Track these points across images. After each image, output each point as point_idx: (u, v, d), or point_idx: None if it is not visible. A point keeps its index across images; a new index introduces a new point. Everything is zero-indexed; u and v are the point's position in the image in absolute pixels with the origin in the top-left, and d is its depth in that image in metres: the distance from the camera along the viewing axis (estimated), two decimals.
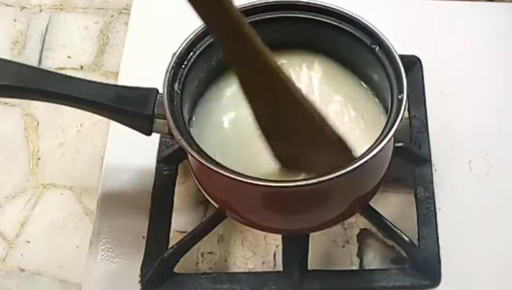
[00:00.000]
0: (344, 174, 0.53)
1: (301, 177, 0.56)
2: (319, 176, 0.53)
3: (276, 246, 0.69)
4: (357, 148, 0.57)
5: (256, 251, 0.69)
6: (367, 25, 0.60)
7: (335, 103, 0.62)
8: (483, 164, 0.70)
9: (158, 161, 0.70)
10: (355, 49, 0.61)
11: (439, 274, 0.64)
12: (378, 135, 0.56)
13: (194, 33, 0.60)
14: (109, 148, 0.72)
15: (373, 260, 0.68)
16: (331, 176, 0.53)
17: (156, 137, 0.67)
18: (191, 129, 0.60)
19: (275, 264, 0.68)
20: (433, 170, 0.69)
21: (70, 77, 0.60)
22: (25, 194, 0.75)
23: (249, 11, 0.61)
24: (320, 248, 0.68)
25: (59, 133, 0.78)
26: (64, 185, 0.75)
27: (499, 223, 0.67)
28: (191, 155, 0.55)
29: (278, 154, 0.58)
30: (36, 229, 0.73)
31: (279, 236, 0.65)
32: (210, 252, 0.69)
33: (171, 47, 0.60)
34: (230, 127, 0.62)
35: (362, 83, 0.63)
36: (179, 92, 0.58)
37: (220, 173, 0.54)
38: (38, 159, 0.77)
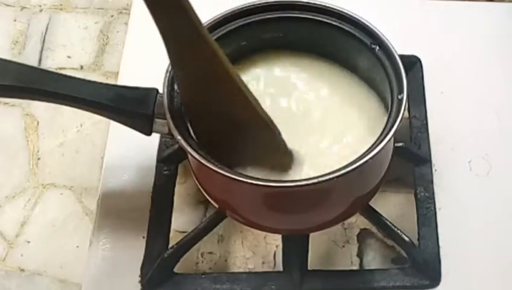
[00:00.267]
0: (344, 174, 0.53)
1: (301, 177, 0.57)
2: (319, 176, 0.53)
3: (276, 246, 0.69)
4: (357, 148, 0.57)
5: (256, 251, 0.69)
6: (367, 25, 0.60)
7: (335, 103, 0.62)
8: (483, 164, 0.70)
9: (158, 161, 0.70)
10: (355, 49, 0.61)
11: (439, 274, 0.64)
12: (379, 134, 0.56)
13: None
14: (109, 148, 0.72)
15: (373, 260, 0.68)
16: (331, 176, 0.53)
17: (156, 137, 0.67)
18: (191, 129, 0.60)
19: (275, 264, 0.68)
20: (433, 170, 0.69)
21: (70, 77, 0.60)
22: (25, 194, 0.75)
23: (249, 11, 0.61)
24: (320, 248, 0.68)
25: (59, 133, 0.78)
26: (64, 185, 0.75)
27: (499, 223, 0.67)
28: (191, 155, 0.55)
29: (198, 132, 0.57)
30: (36, 229, 0.73)
31: (279, 236, 0.65)
32: (210, 252, 0.69)
33: None
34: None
35: (362, 82, 0.63)
36: (179, 92, 0.58)
37: (220, 173, 0.54)
38: (38, 159, 0.77)
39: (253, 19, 0.60)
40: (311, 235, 0.64)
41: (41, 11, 0.87)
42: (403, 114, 0.55)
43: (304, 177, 0.56)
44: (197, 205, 0.71)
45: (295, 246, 0.64)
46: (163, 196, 0.68)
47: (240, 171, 0.56)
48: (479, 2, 0.81)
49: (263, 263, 0.68)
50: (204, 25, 0.60)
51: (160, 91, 0.58)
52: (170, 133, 0.56)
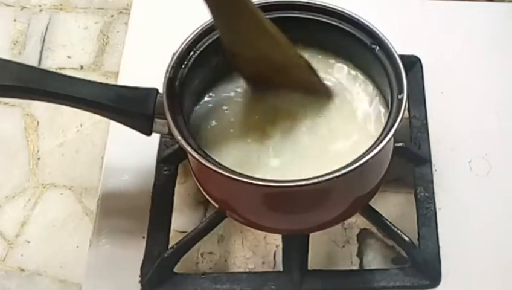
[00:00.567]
0: (344, 174, 0.53)
1: (301, 177, 0.56)
2: (319, 176, 0.53)
3: (276, 246, 0.69)
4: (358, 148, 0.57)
5: (256, 251, 0.69)
6: (367, 25, 0.60)
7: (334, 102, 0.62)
8: (483, 164, 0.70)
9: (158, 161, 0.70)
10: (355, 49, 0.61)
11: (439, 274, 0.64)
12: (379, 134, 0.56)
13: (194, 33, 0.60)
14: (109, 148, 0.72)
15: (373, 260, 0.68)
16: (331, 176, 0.53)
17: (156, 137, 0.67)
18: (191, 129, 0.60)
19: (275, 264, 0.68)
20: (433, 170, 0.69)
21: (70, 77, 0.60)
22: (25, 194, 0.75)
23: None
24: (320, 248, 0.68)
25: (59, 133, 0.78)
26: (64, 185, 0.75)
27: (499, 223, 0.67)
28: (191, 155, 0.55)
29: (245, 75, 0.60)
30: (36, 229, 0.73)
31: (279, 236, 0.65)
32: (210, 252, 0.69)
33: (171, 47, 0.60)
34: (230, 127, 0.62)
35: (362, 82, 0.63)
36: (179, 92, 0.58)
37: (220, 173, 0.54)
38: (38, 159, 0.77)
39: None
40: (311, 235, 0.64)
41: (41, 11, 0.88)
42: (403, 114, 0.55)
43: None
44: (197, 205, 0.71)
45: (295, 246, 0.64)
46: (163, 196, 0.68)
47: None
48: (479, 2, 0.81)
49: (263, 263, 0.68)
50: (204, 25, 0.60)
51: (160, 91, 0.58)
52: (170, 133, 0.56)
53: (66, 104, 0.60)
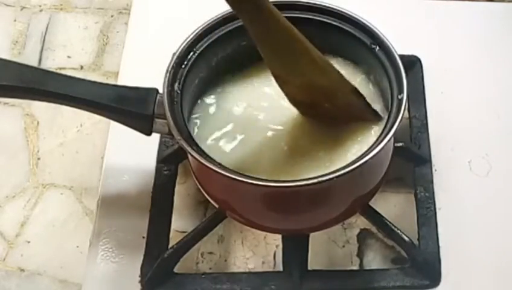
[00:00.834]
0: (344, 174, 0.53)
1: (301, 177, 0.56)
2: (319, 176, 0.53)
3: (276, 246, 0.69)
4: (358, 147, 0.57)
5: (256, 251, 0.69)
6: (367, 25, 0.60)
7: None
8: (483, 164, 0.70)
9: (158, 161, 0.70)
10: (355, 49, 0.61)
11: (439, 274, 0.64)
12: (379, 134, 0.56)
13: (194, 33, 0.60)
14: (109, 148, 0.72)
15: (373, 260, 0.68)
16: (331, 176, 0.53)
17: (156, 137, 0.67)
18: (191, 129, 0.60)
19: (275, 264, 0.68)
20: (433, 170, 0.69)
21: (70, 77, 0.60)
22: (25, 194, 0.75)
23: None
24: (320, 248, 0.68)
25: (59, 133, 0.78)
26: (64, 185, 0.75)
27: (499, 223, 0.67)
28: (191, 155, 0.55)
29: (294, 101, 0.59)
30: (36, 229, 0.73)
31: (279, 236, 0.65)
32: (210, 252, 0.69)
33: (171, 47, 0.60)
34: (230, 127, 0.62)
35: (362, 82, 0.63)
36: (179, 92, 0.58)
37: (220, 173, 0.54)
38: (38, 159, 0.77)
39: None
40: (311, 235, 0.64)
41: (41, 11, 0.87)
42: (403, 114, 0.55)
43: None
44: (197, 205, 0.71)
45: (295, 246, 0.64)
46: (163, 196, 0.68)
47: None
48: (479, 2, 0.81)
49: (263, 263, 0.68)
50: (204, 25, 0.60)
51: (160, 91, 0.58)
52: (170, 133, 0.56)
53: (66, 104, 0.60)
